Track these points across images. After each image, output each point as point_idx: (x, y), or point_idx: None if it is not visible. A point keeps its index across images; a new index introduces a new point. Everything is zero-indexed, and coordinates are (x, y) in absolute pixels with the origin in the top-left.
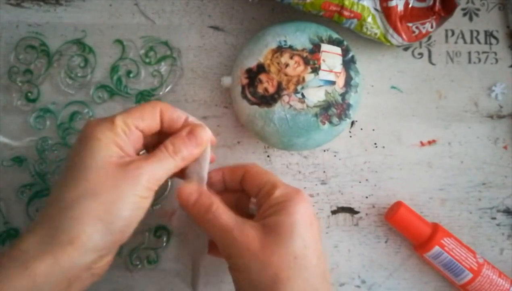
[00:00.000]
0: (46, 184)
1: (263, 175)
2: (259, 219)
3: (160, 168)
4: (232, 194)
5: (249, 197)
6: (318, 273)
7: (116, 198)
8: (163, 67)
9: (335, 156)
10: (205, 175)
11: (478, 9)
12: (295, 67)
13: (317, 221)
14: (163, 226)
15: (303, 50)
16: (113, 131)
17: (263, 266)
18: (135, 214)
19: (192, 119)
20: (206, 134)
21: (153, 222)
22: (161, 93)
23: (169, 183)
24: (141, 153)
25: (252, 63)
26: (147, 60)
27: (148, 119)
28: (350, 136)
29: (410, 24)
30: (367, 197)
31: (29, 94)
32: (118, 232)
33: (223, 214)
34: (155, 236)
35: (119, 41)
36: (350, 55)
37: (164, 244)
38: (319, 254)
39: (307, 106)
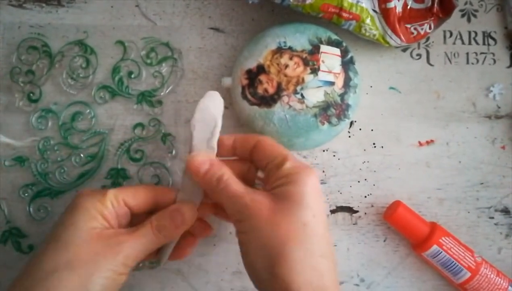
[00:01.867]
0: (48, 184)
1: (276, 147)
2: (267, 189)
3: (141, 244)
4: (238, 164)
5: (256, 170)
6: (325, 242)
7: (93, 272)
8: (164, 68)
9: (334, 155)
10: (215, 145)
11: (476, 10)
12: (294, 68)
13: (323, 197)
14: None
15: (302, 51)
16: (103, 203)
17: (273, 228)
18: (109, 289)
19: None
20: (192, 213)
21: None
22: (162, 93)
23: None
24: None
25: (252, 64)
26: (148, 61)
27: (139, 199)
28: (349, 137)
29: (408, 25)
30: (366, 197)
31: (31, 94)
32: None
33: (234, 183)
34: None
35: (120, 42)
36: (349, 56)
37: None
38: (325, 225)
39: (307, 106)
